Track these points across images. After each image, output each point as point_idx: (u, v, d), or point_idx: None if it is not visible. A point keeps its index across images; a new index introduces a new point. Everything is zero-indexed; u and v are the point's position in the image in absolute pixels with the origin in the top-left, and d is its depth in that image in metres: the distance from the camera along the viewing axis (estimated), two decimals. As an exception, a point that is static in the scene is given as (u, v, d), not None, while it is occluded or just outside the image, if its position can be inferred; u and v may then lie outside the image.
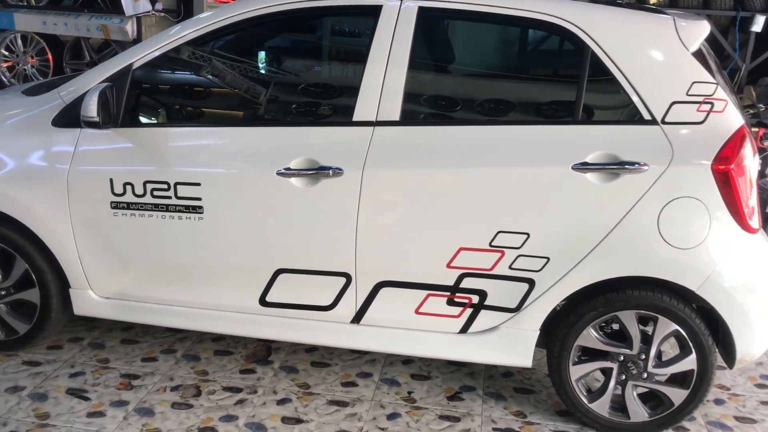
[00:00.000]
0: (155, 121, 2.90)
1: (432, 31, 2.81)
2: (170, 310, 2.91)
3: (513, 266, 2.59)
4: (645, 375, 2.63)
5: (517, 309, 2.64)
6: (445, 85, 2.91)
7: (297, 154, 2.65)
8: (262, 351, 3.20)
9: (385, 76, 2.61)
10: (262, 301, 2.82)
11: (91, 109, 2.60)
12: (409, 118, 2.65)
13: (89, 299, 2.97)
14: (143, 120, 2.86)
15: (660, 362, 2.64)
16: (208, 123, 2.95)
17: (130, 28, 5.64)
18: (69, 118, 2.80)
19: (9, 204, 2.85)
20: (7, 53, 6.21)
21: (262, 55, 3.44)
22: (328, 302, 2.77)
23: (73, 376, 2.95)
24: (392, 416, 2.78)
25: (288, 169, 2.63)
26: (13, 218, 2.87)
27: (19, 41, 6.13)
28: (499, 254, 2.59)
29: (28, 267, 2.94)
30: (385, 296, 2.72)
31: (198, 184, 2.71)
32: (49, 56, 6.08)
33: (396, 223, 2.63)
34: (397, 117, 2.61)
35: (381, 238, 2.65)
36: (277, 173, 2.64)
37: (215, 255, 2.80)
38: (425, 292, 2.69)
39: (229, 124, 2.87)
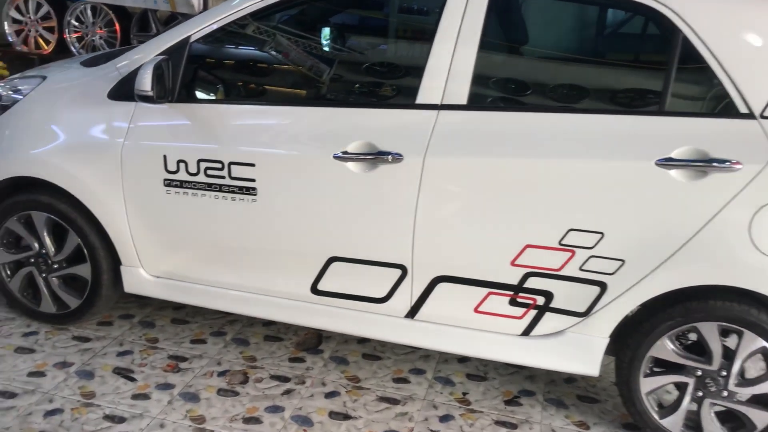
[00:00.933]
0: (212, 97, 2.79)
1: (506, 9, 2.61)
2: (220, 292, 2.83)
3: (584, 267, 2.39)
4: (725, 393, 2.39)
5: (586, 313, 2.44)
6: (518, 68, 2.70)
7: (355, 138, 2.50)
8: (313, 339, 3.09)
9: (453, 55, 2.42)
10: (314, 289, 2.70)
11: (146, 82, 2.50)
12: (477, 102, 2.46)
13: (140, 277, 2.91)
14: (199, 95, 2.75)
15: (743, 380, 2.40)
16: (265, 101, 2.82)
17: (197, 0, 5.57)
18: (124, 91, 2.72)
19: (63, 177, 2.80)
20: (77, 24, 6.25)
21: (326, 31, 3.30)
22: (381, 294, 2.62)
23: (121, 354, 2.90)
24: (445, 418, 2.63)
25: (345, 152, 2.49)
26: (67, 191, 2.82)
27: (89, 12, 6.16)
28: (569, 254, 2.38)
29: (81, 242, 2.89)
30: (442, 292, 2.56)
31: (252, 165, 2.59)
32: (117, 28, 6.09)
33: (458, 215, 2.45)
34: (464, 100, 2.42)
35: (441, 230, 2.48)
36: (334, 157, 2.50)
37: (267, 239, 2.68)
38: (486, 290, 2.51)
39: (287, 103, 2.73)
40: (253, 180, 2.61)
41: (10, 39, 6.46)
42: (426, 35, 2.51)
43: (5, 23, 6.41)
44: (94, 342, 2.97)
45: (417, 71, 2.48)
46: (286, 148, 2.58)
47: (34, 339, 2.96)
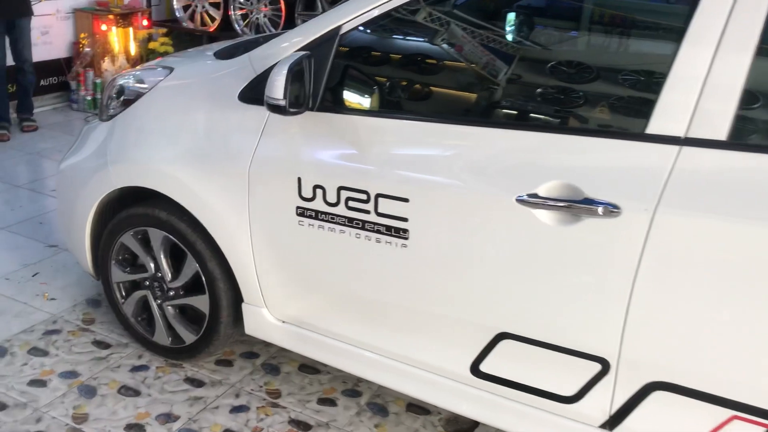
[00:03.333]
0: (361, 106, 2.16)
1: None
2: (356, 353, 2.23)
3: None
4: None
5: None
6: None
7: (549, 175, 1.78)
8: (468, 419, 2.42)
9: (711, 66, 1.62)
10: (475, 370, 2.03)
11: (277, 87, 1.92)
12: (743, 137, 1.65)
13: (263, 319, 2.38)
14: (348, 104, 2.14)
15: None
16: (427, 116, 2.13)
17: (366, -23, 5.01)
18: (258, 92, 2.16)
19: (181, 192, 2.32)
20: (242, 0, 5.93)
21: (510, 17, 2.58)
22: (569, 392, 1.90)
23: (235, 410, 2.39)
24: None
25: (534, 195, 1.78)
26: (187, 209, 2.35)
27: (255, -12, 5.82)
28: None
29: (199, 269, 2.41)
30: (659, 403, 1.79)
31: (406, 200, 1.95)
32: (282, 5, 5.69)
33: (698, 300, 1.66)
34: (723, 135, 1.61)
35: (668, 319, 1.71)
36: (518, 200, 1.79)
37: (419, 296, 2.04)
38: (729, 412, 1.71)
39: (456, 121, 2.04)
40: (405, 219, 1.97)
41: (177, 15, 6.29)
42: (670, 31, 1.73)
43: (173, -2, 6.25)
44: (207, 388, 2.50)
45: (652, 86, 1.72)
46: (452, 182, 1.90)
47: (143, 376, 2.54)
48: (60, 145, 4.92)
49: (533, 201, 1.78)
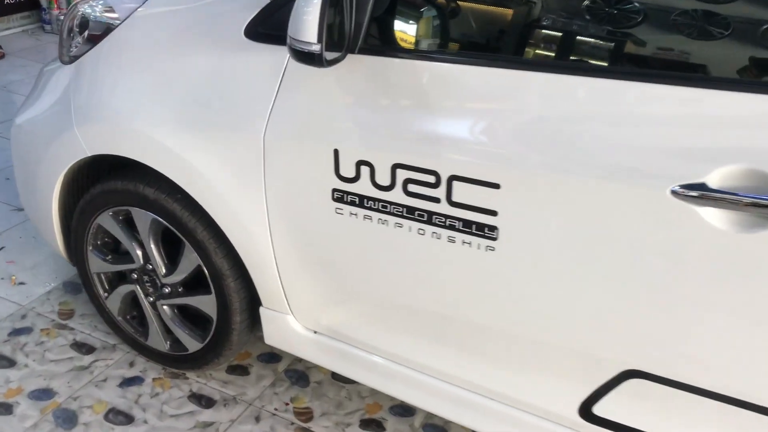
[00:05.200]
0: (429, 48, 1.52)
1: None
2: (410, 376, 1.69)
3: None
4: None
5: None
6: None
7: (725, 157, 1.18)
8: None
9: None
10: (585, 412, 1.49)
11: (307, 25, 1.28)
12: None
13: (288, 328, 1.83)
14: (406, 43, 1.49)
15: None
16: (532, 60, 1.49)
17: None
18: (272, 26, 1.54)
19: (173, 165, 1.71)
20: None
21: None
22: (726, 452, 1.37)
23: (255, 441, 1.88)
24: None
25: (700, 186, 1.18)
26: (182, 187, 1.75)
27: None
28: None
29: (202, 263, 1.84)
30: None
31: (496, 186, 1.35)
32: None
33: None
34: None
35: None
36: (674, 192, 1.20)
37: (509, 315, 1.48)
38: None
39: (575, 69, 1.39)
40: (493, 213, 1.37)
41: None
42: None
43: None
44: (218, 409, 1.97)
45: None
46: (569, 163, 1.30)
47: (136, 393, 2.00)
48: (32, 76, 4.23)
49: (698, 194, 1.18)
